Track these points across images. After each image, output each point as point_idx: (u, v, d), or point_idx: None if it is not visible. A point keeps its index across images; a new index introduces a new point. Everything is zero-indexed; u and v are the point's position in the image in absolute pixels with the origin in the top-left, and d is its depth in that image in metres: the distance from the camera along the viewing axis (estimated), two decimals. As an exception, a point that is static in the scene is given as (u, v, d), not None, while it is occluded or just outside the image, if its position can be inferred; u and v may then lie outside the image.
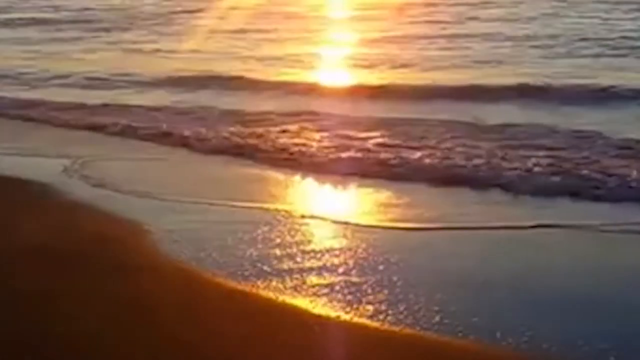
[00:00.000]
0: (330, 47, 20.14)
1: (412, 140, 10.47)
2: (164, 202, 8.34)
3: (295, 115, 12.45)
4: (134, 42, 21.87)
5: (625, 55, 16.42)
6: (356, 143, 10.43)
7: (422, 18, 23.64)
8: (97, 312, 5.42)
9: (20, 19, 27.96)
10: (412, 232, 7.26)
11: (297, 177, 9.34)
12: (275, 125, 11.84)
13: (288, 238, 7.06)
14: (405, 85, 14.63)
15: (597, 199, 8.01)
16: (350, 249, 6.76)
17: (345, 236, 7.15)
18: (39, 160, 10.46)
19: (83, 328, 5.17)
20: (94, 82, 16.64)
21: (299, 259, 6.53)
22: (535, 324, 5.25)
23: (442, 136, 10.62)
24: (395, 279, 6.06)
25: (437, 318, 5.37)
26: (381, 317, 5.43)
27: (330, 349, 5.16)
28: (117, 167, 10.19)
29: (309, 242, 7.00)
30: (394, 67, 16.62)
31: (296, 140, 10.76)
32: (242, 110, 13.12)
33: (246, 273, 6.25)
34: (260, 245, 6.87)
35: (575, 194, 8.15)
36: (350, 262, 6.45)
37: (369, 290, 5.87)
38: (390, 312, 5.49)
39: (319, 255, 6.60)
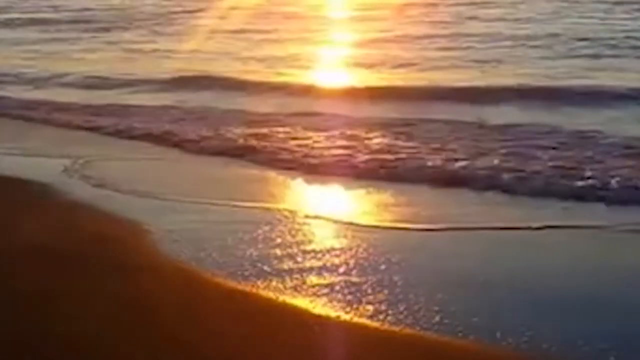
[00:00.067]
0: (330, 47, 20.15)
1: (413, 141, 10.47)
2: (164, 202, 8.34)
3: (295, 115, 12.45)
4: (134, 42, 21.88)
5: (625, 55, 16.42)
6: (356, 143, 10.43)
7: (422, 18, 23.66)
8: (97, 312, 5.42)
9: (20, 19, 28.00)
10: (412, 233, 7.26)
11: (297, 177, 9.33)
12: (276, 125, 11.83)
13: (288, 238, 7.06)
14: (405, 86, 14.63)
15: (600, 200, 7.99)
16: (350, 249, 6.75)
17: (345, 236, 7.14)
18: (39, 160, 10.46)
19: (83, 328, 5.16)
20: (94, 82, 16.65)
21: (299, 259, 6.53)
22: (535, 324, 5.25)
23: (443, 137, 10.61)
24: (395, 279, 6.06)
25: (437, 318, 5.36)
26: (381, 317, 5.43)
27: (330, 349, 5.16)
28: (117, 167, 10.19)
29: (309, 242, 7.00)
30: (394, 67, 16.62)
31: (296, 141, 10.76)
32: (243, 110, 13.14)
33: (246, 273, 6.25)
34: (260, 245, 6.87)
35: (577, 195, 8.14)
36: (351, 262, 6.45)
37: (369, 290, 5.87)
38: (390, 312, 5.49)
39: (319, 255, 6.60)
